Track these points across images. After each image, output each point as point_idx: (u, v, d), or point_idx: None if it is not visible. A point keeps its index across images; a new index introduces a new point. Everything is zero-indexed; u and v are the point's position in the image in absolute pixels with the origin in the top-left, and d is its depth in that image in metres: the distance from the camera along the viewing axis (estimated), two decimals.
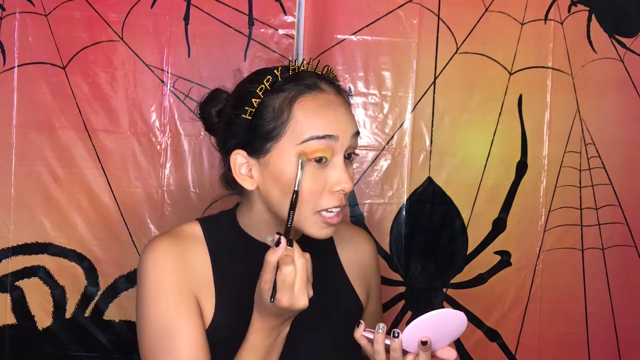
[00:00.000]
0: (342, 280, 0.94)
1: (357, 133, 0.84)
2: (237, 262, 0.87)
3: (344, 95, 0.86)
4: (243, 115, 0.82)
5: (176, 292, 0.82)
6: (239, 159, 0.83)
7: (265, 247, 0.84)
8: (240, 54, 1.33)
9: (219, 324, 0.83)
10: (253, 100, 0.82)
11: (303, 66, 0.85)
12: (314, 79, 0.83)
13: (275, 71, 0.84)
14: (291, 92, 0.81)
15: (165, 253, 0.83)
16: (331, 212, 0.82)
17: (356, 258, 0.98)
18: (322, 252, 0.93)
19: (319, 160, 0.79)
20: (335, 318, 0.90)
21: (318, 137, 0.79)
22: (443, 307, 1.40)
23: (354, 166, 1.35)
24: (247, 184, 0.83)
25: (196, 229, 0.88)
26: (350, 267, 0.96)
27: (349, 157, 0.83)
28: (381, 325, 0.79)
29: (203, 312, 0.83)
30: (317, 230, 0.83)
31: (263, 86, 0.82)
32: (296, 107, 0.80)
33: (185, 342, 0.80)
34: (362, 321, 0.81)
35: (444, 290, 1.41)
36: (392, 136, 1.37)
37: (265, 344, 0.77)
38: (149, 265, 0.83)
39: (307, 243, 0.89)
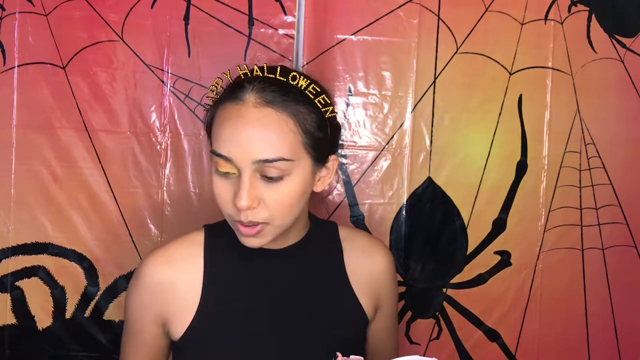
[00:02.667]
0: (342, 285, 0.92)
1: (266, 161, 0.75)
2: (233, 266, 0.87)
3: (275, 109, 0.77)
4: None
5: (139, 314, 0.88)
6: None
7: (261, 249, 0.85)
8: (240, 54, 1.33)
9: (196, 330, 0.84)
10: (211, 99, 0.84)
11: (256, 71, 0.82)
12: (243, 86, 0.79)
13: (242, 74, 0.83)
14: (222, 97, 0.81)
15: (148, 279, 0.86)
16: (243, 223, 0.79)
17: (367, 269, 0.94)
18: (323, 254, 0.93)
19: (225, 174, 0.78)
20: (331, 320, 0.89)
21: (215, 153, 0.78)
22: (443, 307, 1.41)
23: (353, 166, 1.36)
24: None
25: (198, 238, 0.89)
26: (356, 275, 0.93)
27: (270, 178, 0.77)
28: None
29: (176, 325, 0.86)
30: (240, 238, 0.82)
31: (214, 88, 0.83)
32: (216, 115, 0.80)
33: (133, 349, 0.89)
34: (339, 353, 0.77)
35: (444, 290, 1.41)
36: (392, 136, 1.37)
37: None
38: (133, 281, 0.88)
39: (308, 243, 0.90)
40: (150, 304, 0.86)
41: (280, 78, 0.80)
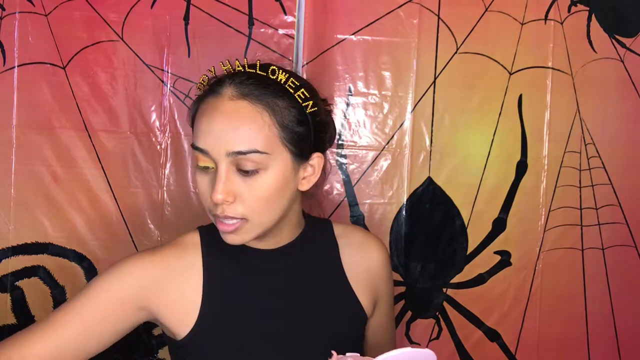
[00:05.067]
0: (340, 283, 0.92)
1: (240, 153, 0.75)
2: (230, 267, 0.87)
3: (250, 101, 0.77)
4: None
5: (113, 296, 0.82)
6: None
7: (254, 250, 0.84)
8: (240, 54, 1.33)
9: (199, 331, 0.83)
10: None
11: (238, 67, 0.83)
12: (222, 80, 0.80)
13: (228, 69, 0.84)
14: (204, 92, 0.81)
15: (138, 276, 0.83)
16: (220, 218, 0.79)
17: (364, 264, 0.94)
18: (319, 252, 0.93)
19: (204, 169, 0.79)
20: (330, 319, 0.89)
21: (194, 147, 0.79)
22: (443, 307, 1.41)
23: (353, 166, 1.36)
24: None
25: (195, 239, 0.88)
26: (353, 272, 0.92)
27: (246, 172, 0.77)
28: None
29: (175, 325, 0.83)
30: (221, 234, 0.82)
31: (200, 85, 0.83)
32: (198, 109, 0.81)
33: (59, 335, 0.82)
34: (334, 352, 0.75)
35: (444, 290, 1.41)
36: (392, 136, 1.37)
37: None
38: (116, 267, 0.83)
39: (303, 242, 0.90)
40: (134, 296, 0.83)
41: (260, 72, 0.81)
